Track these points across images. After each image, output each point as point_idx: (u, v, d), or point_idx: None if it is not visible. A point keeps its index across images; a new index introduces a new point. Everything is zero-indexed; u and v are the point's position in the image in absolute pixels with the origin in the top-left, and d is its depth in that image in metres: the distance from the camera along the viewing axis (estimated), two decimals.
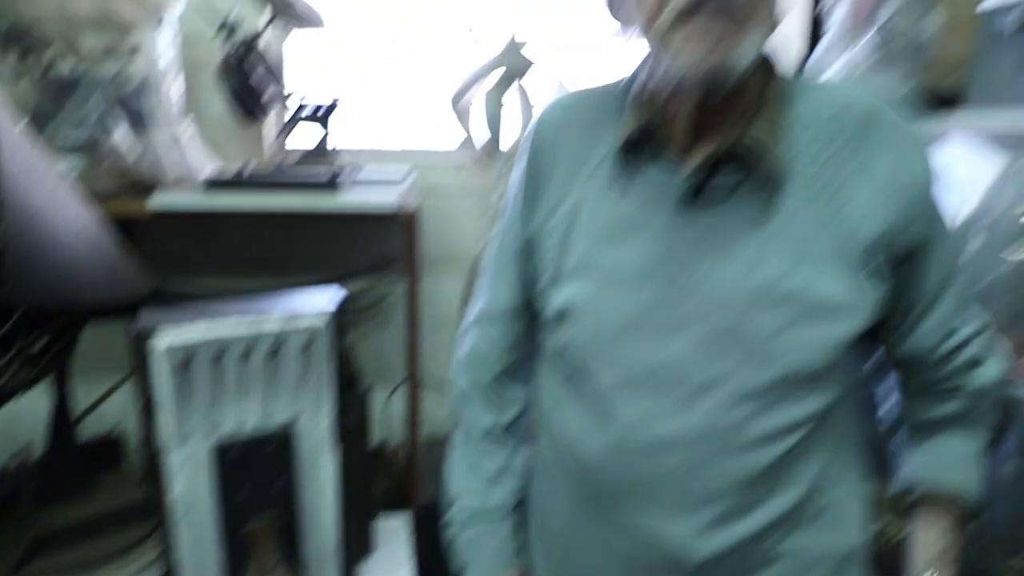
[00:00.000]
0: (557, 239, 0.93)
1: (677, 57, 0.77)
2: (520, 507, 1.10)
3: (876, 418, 1.09)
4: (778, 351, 0.81)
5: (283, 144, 2.25)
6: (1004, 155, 1.44)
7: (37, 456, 1.75)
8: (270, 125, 2.42)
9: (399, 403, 2.55)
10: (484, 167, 2.40)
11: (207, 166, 2.03)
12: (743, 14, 0.75)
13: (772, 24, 0.79)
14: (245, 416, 1.10)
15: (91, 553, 1.59)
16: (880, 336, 0.92)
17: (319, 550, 1.38)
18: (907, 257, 0.85)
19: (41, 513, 1.60)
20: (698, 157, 0.84)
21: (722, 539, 0.85)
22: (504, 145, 2.32)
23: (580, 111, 0.97)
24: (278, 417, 1.13)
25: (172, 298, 2.20)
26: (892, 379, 1.03)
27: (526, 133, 1.02)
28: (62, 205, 1.44)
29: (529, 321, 1.05)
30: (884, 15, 1.49)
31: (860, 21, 1.53)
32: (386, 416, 2.61)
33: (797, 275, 0.81)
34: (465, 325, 1.14)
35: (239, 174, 1.96)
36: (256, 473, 1.16)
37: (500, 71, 2.20)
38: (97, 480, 1.74)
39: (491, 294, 1.09)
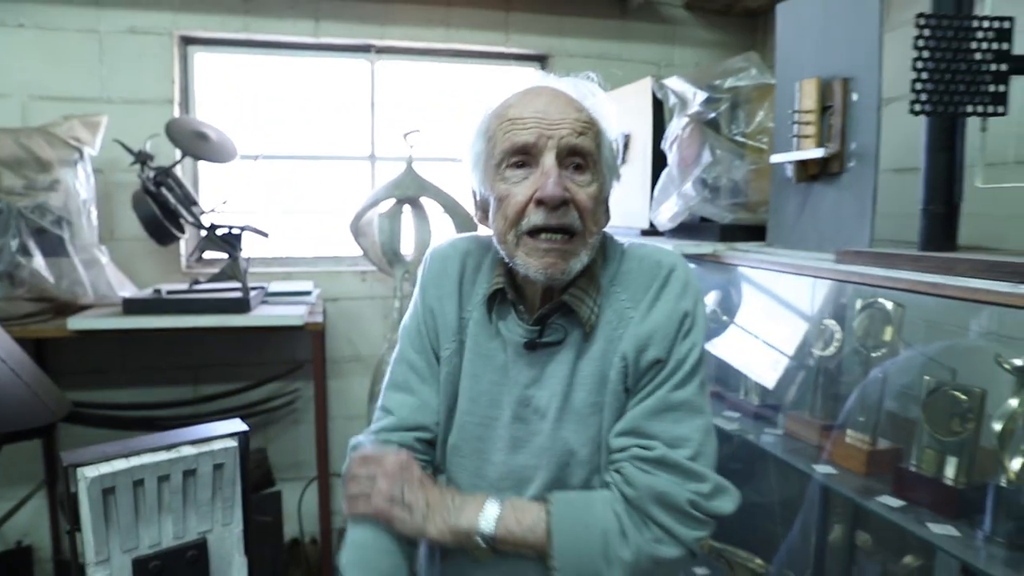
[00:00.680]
0: (450, 370, 1.10)
1: (521, 265, 0.97)
2: None
3: None
4: None
5: (197, 263, 2.41)
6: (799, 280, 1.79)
7: None
8: (185, 245, 2.59)
9: (312, 498, 2.68)
10: (386, 275, 2.63)
11: (125, 287, 2.18)
12: (580, 229, 0.95)
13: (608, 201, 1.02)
14: (163, 531, 1.25)
15: None
16: None
17: None
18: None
19: None
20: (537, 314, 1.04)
21: None
22: (403, 255, 2.55)
23: (464, 254, 1.14)
24: (194, 530, 1.29)
25: (87, 418, 2.30)
26: None
27: (422, 264, 1.18)
28: None
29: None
30: (705, 161, 1.85)
31: (687, 165, 1.88)
32: (300, 511, 2.72)
33: None
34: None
35: (157, 293, 2.11)
36: None
37: (398, 192, 2.45)
38: None
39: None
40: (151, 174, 2.21)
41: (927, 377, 1.43)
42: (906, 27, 1.94)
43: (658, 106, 2.11)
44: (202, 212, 2.29)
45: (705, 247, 1.85)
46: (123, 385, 2.53)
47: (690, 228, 1.97)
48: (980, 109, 1.19)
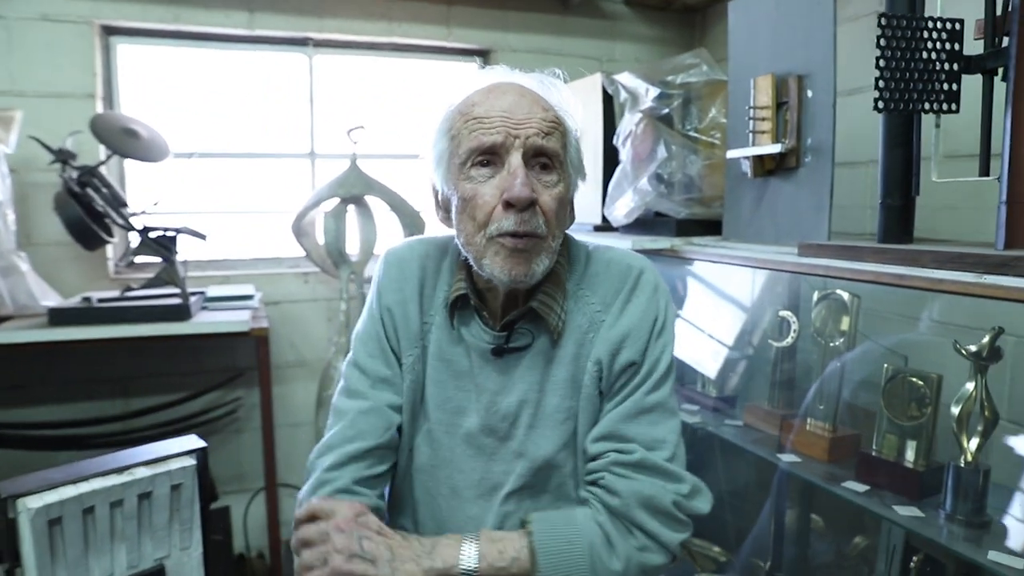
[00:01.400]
0: (414, 378, 1.06)
1: (487, 268, 0.94)
2: None
3: None
4: None
5: (127, 268, 2.26)
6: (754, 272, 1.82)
7: None
8: (114, 250, 2.42)
9: (258, 510, 2.57)
10: (331, 276, 2.54)
11: (48, 296, 2.02)
12: (544, 233, 0.93)
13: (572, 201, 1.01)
14: (116, 561, 1.16)
15: None
16: None
17: None
18: None
19: None
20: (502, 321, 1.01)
21: None
22: (349, 256, 2.47)
23: (423, 257, 1.10)
24: (150, 557, 1.20)
25: (6, 440, 2.12)
26: None
27: (378, 266, 1.13)
28: None
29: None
30: (660, 156, 1.86)
31: (641, 160, 1.89)
32: (246, 524, 2.60)
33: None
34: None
35: (87, 302, 1.96)
36: None
37: (343, 191, 2.37)
38: None
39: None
40: (74, 174, 2.06)
41: (886, 365, 1.47)
42: (850, 23, 2.03)
43: (608, 101, 2.11)
44: (132, 214, 2.14)
45: (662, 242, 1.86)
46: (44, 402, 2.34)
47: (645, 223, 1.98)
48: (936, 107, 1.23)
